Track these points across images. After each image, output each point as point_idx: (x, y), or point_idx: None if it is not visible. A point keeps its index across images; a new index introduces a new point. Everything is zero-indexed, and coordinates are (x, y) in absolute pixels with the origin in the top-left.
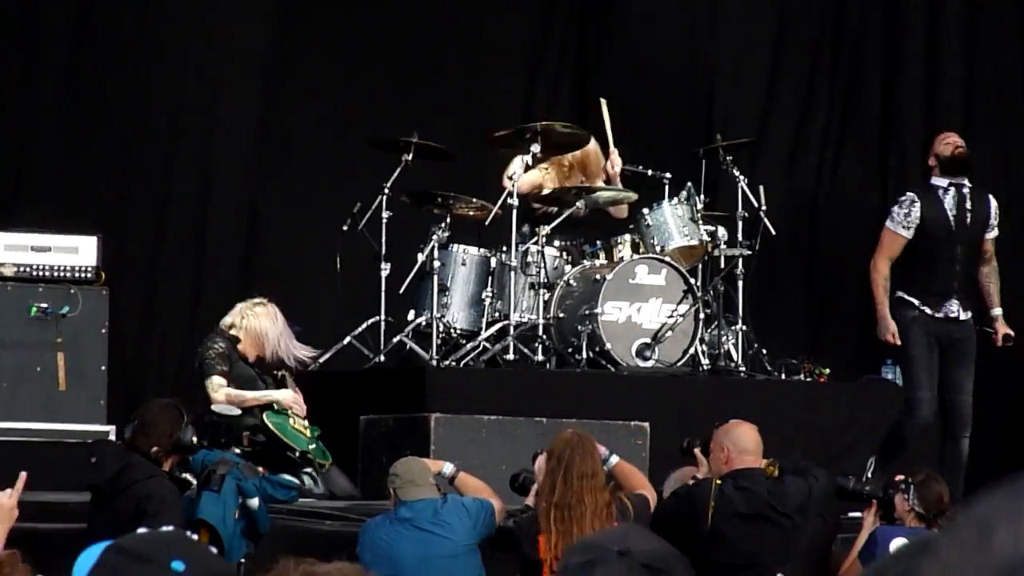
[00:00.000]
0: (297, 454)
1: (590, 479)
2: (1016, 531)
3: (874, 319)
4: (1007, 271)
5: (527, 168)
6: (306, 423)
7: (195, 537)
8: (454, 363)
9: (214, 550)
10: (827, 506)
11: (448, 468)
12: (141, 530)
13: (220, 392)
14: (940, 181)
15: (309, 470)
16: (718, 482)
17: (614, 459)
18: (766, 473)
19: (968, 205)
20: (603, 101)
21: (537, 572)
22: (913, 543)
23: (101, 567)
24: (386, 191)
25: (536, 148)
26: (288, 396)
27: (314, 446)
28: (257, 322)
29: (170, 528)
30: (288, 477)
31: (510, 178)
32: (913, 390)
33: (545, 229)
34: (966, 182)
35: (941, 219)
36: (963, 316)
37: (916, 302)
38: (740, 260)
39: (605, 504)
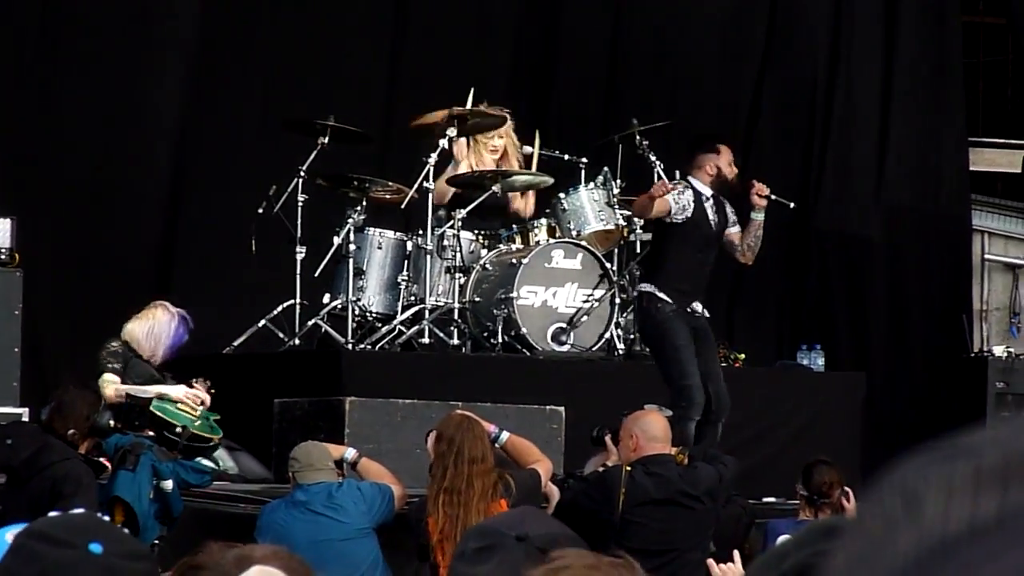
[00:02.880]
0: (178, 429)
1: (480, 463)
2: (946, 504)
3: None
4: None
5: (446, 154)
6: (201, 409)
7: (108, 519)
8: (369, 347)
9: (127, 532)
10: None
11: (350, 453)
12: (54, 513)
13: (109, 388)
14: (705, 189)
15: (215, 446)
16: (628, 469)
17: (505, 435)
18: (676, 460)
19: (717, 212)
20: (537, 132)
21: (430, 554)
22: (819, 525)
23: (17, 552)
24: (302, 174)
25: (452, 132)
26: (179, 391)
27: (200, 423)
28: (131, 325)
29: (84, 511)
30: (204, 462)
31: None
32: (686, 378)
33: (461, 213)
34: None
35: (705, 222)
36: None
37: (670, 299)
38: None
39: (492, 485)
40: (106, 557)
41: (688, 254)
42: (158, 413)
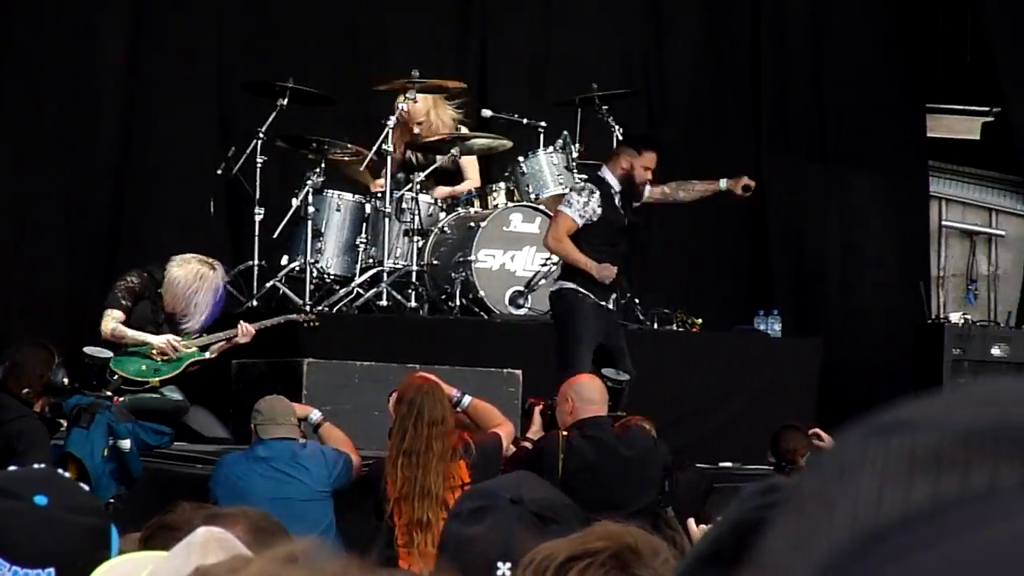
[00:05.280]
0: (115, 377)
1: (439, 424)
2: (881, 486)
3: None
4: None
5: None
6: (173, 364)
7: (66, 474)
8: (327, 309)
9: (85, 487)
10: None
11: (315, 415)
12: (11, 468)
13: (108, 323)
14: (615, 183)
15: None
16: (564, 433)
17: (467, 399)
18: (612, 421)
19: (624, 205)
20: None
21: (385, 515)
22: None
23: None
24: (261, 135)
25: (412, 95)
26: (161, 340)
27: (144, 367)
28: (177, 272)
29: (42, 466)
30: (164, 428)
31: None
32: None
33: (419, 176)
34: None
35: (615, 216)
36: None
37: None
38: None
39: (451, 447)
40: (50, 509)
41: (604, 249)
42: (111, 366)
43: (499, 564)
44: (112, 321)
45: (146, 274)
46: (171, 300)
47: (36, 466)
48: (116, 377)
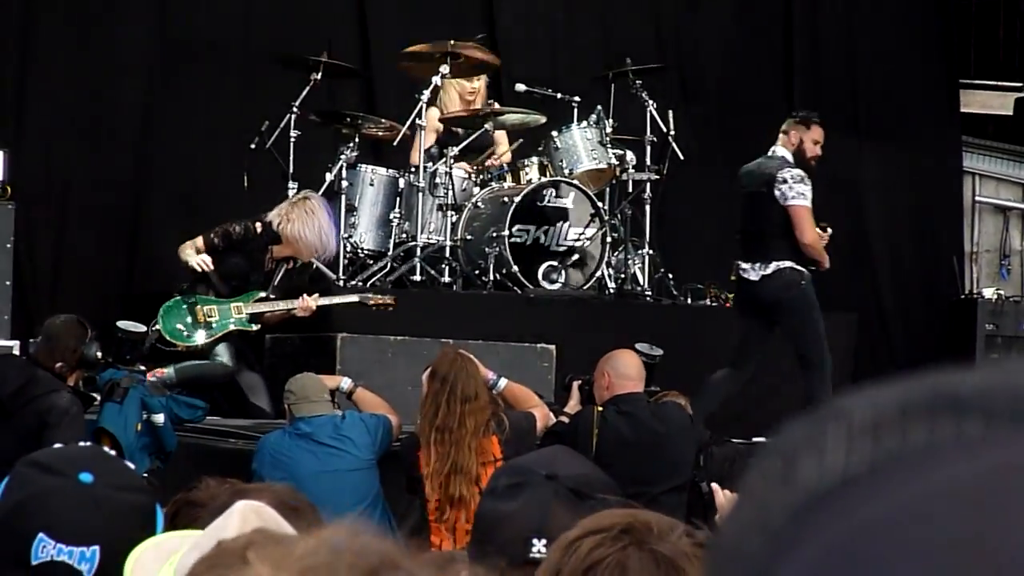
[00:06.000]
0: (155, 327)
1: (473, 401)
2: (819, 461)
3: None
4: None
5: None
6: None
7: (112, 452)
8: (361, 283)
9: (130, 465)
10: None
11: (346, 383)
12: (56, 446)
13: (188, 248)
14: (791, 158)
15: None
16: (599, 409)
17: (503, 382)
18: (647, 397)
19: None
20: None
21: (419, 487)
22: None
23: (12, 478)
24: (295, 110)
25: (445, 69)
26: (202, 265)
27: (181, 327)
28: (296, 228)
29: (87, 444)
30: (197, 402)
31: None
32: (823, 340)
33: (453, 151)
34: None
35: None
36: None
37: (805, 271)
38: (648, 184)
39: (483, 422)
40: (95, 487)
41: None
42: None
43: (534, 540)
44: (191, 247)
45: (242, 224)
46: (308, 250)
47: (81, 444)
48: (156, 328)
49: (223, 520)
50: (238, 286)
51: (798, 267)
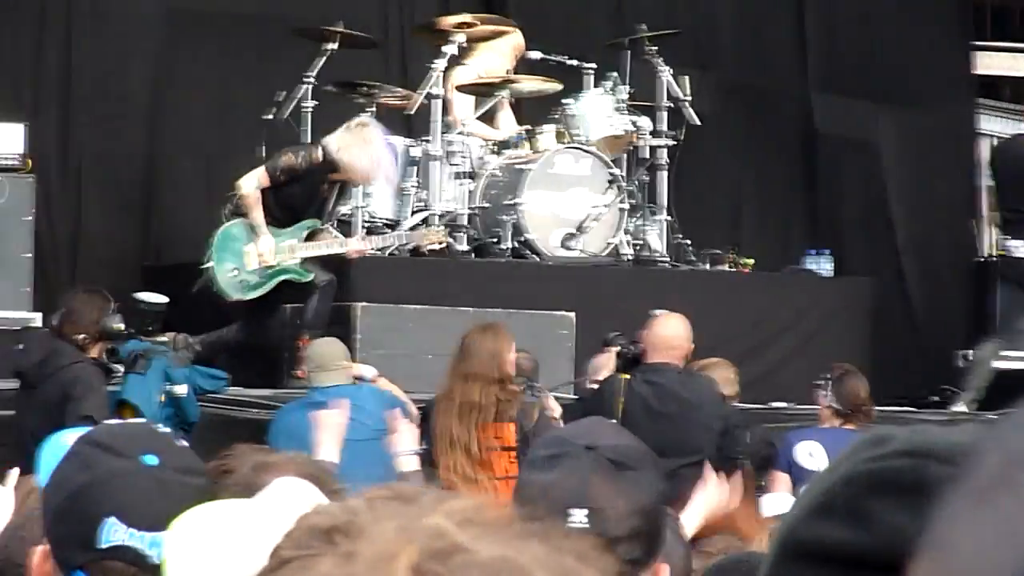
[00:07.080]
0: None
1: (493, 385)
2: None
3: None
4: None
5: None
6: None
7: (166, 431)
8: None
9: (186, 444)
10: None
11: (370, 373)
12: (113, 422)
13: (249, 179)
14: None
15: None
16: (626, 377)
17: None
18: (678, 368)
19: None
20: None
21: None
22: (868, 437)
23: (72, 457)
24: (311, 80)
25: (462, 38)
26: (264, 247)
27: (233, 275)
28: (347, 156)
29: (141, 421)
30: (219, 372)
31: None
32: None
33: (470, 119)
34: None
35: None
36: None
37: None
38: (664, 151)
39: (505, 403)
40: (160, 470)
41: None
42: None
43: (573, 511)
44: (253, 179)
45: (314, 156)
46: (364, 177)
47: (141, 421)
48: (209, 266)
49: (266, 497)
50: (295, 215)
51: None
